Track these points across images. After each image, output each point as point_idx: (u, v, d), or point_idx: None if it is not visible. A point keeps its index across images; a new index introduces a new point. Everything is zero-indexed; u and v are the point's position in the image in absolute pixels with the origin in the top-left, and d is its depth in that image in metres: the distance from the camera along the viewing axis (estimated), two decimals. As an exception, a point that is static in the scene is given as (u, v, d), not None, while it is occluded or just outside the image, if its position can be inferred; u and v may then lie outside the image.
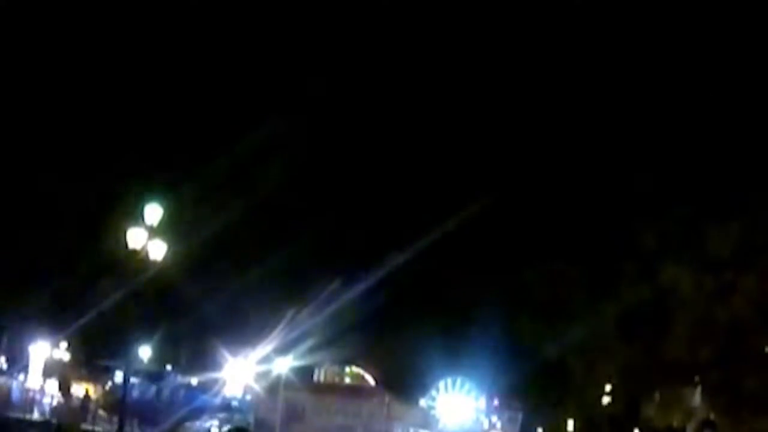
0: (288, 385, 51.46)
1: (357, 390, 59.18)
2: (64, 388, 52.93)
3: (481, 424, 74.34)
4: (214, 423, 50.87)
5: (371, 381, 63.15)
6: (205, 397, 58.16)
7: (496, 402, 75.02)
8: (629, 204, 43.43)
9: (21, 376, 55.46)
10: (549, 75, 53.67)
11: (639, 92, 46.96)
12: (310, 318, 55.16)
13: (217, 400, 58.75)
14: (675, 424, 45.27)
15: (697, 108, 43.52)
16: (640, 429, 48.29)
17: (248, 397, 59.74)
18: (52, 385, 53.83)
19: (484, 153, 58.02)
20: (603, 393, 51.43)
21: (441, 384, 71.06)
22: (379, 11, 53.95)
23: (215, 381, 58.83)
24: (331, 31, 56.56)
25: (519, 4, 54.18)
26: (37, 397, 50.19)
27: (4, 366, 60.92)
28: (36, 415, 46.10)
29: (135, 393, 51.10)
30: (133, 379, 46.17)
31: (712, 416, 43.38)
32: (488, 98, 57.37)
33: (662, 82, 46.17)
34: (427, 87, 57.93)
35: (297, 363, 55.56)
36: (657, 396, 45.74)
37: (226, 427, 49.24)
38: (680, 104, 44.23)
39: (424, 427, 58.99)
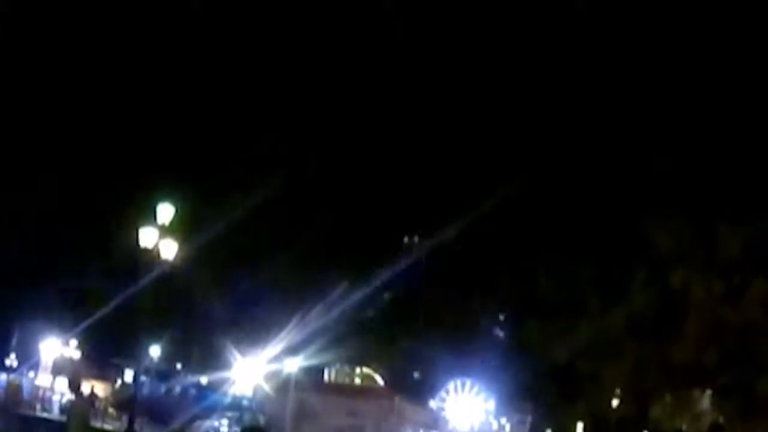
0: (298, 384, 51.51)
1: (367, 390, 59.18)
2: (74, 386, 52.99)
3: (491, 425, 74.22)
4: (224, 422, 50.82)
5: (381, 382, 63.16)
6: (215, 396, 58.18)
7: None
8: (640, 206, 43.39)
9: (31, 374, 55.72)
10: (563, 77, 53.51)
11: (652, 94, 46.82)
12: (320, 318, 55.20)
13: (227, 399, 58.78)
14: (684, 427, 45.23)
15: (709, 110, 43.40)
16: (649, 432, 48.28)
17: (260, 396, 59.80)
18: (62, 383, 54.01)
19: (492, 155, 57.86)
20: (612, 395, 51.39)
21: (451, 385, 70.94)
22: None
23: (225, 380, 58.87)
24: (337, 26, 56.53)
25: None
26: (47, 394, 50.43)
27: (15, 363, 61.21)
28: (45, 413, 46.30)
29: (145, 391, 51.20)
30: (143, 378, 46.33)
31: (721, 419, 43.35)
32: (489, 103, 57.28)
33: (673, 85, 46.05)
34: (427, 87, 57.83)
35: (307, 363, 55.59)
36: (667, 399, 45.68)
37: (236, 427, 49.19)
38: (692, 105, 44.10)
39: (434, 428, 58.88)
